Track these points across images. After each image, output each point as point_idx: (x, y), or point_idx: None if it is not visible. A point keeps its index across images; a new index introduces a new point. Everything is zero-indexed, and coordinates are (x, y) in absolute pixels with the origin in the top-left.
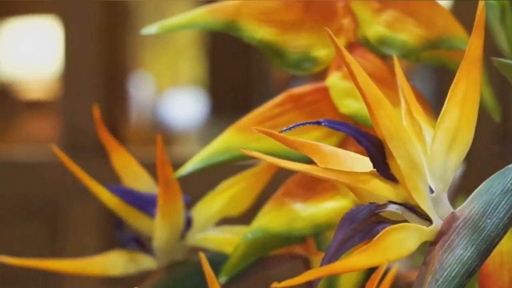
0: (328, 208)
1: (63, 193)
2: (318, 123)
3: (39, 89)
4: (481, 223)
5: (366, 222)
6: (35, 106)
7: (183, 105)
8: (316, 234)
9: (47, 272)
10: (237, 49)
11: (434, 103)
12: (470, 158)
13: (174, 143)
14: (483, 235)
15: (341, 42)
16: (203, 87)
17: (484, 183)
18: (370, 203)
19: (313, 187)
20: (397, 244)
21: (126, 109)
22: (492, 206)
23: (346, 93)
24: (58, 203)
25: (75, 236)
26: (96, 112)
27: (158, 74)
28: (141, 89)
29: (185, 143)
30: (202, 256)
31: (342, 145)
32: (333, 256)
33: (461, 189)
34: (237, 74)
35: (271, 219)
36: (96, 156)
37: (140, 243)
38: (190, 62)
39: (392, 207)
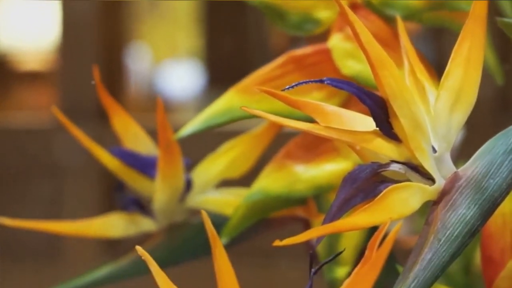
0: (329, 170)
1: (63, 159)
2: (321, 81)
3: (36, 60)
4: (484, 183)
5: (368, 182)
6: (33, 77)
7: (181, 76)
8: (317, 196)
9: (49, 239)
10: (234, 19)
11: (436, 66)
12: (471, 125)
13: (171, 114)
14: (486, 194)
15: (344, 2)
16: (200, 58)
17: (487, 143)
18: (372, 162)
19: (314, 149)
20: (399, 203)
21: (123, 80)
22: (495, 166)
23: (348, 54)
24: (57, 168)
25: (74, 200)
26: (96, 73)
27: (155, 45)
28: (138, 60)
29: (183, 115)
30: (204, 214)
31: (344, 107)
32: (335, 215)
33: (461, 156)
34: (234, 44)
35: (271, 181)
36: (93, 125)
37: (140, 205)
38: (187, 33)
39: (395, 167)
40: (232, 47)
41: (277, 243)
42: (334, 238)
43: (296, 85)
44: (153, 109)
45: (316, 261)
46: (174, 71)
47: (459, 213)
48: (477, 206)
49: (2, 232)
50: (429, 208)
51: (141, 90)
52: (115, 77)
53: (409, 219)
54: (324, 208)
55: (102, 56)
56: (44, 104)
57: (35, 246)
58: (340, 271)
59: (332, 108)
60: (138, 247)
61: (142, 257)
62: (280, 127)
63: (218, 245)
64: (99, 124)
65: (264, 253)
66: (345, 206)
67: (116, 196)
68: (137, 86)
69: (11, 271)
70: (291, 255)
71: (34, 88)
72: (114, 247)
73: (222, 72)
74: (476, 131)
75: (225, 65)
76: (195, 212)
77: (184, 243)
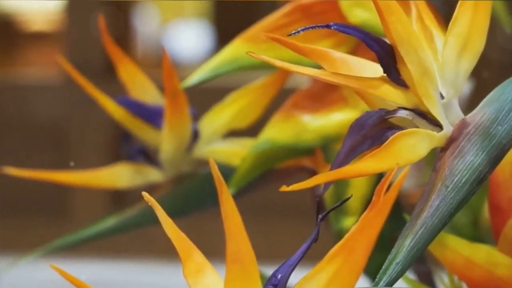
0: (336, 120)
1: (69, 113)
2: (328, 26)
3: (43, 20)
4: (492, 129)
5: (375, 128)
6: (39, 37)
7: (189, 37)
8: (324, 146)
9: (56, 195)
10: None
11: (444, 14)
12: (480, 78)
13: (179, 75)
14: (494, 141)
15: None
16: (208, 18)
17: (495, 89)
18: (380, 109)
19: (322, 98)
20: (407, 149)
21: (131, 41)
22: (503, 112)
23: (355, 3)
24: (64, 122)
25: (81, 151)
26: (102, 23)
27: (163, 5)
28: (146, 21)
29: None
30: (211, 160)
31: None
32: (342, 162)
33: (470, 110)
34: (243, 4)
35: (278, 131)
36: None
37: (146, 155)
38: None
39: (402, 113)
40: (240, 6)
41: (284, 188)
42: (341, 188)
43: (302, 30)
44: (160, 68)
45: (323, 210)
46: (182, 32)
47: (467, 160)
48: (485, 153)
49: (10, 188)
50: (435, 158)
51: (149, 51)
52: (122, 38)
53: (417, 173)
54: (331, 158)
55: (109, 17)
56: (50, 63)
57: (42, 202)
58: (347, 221)
59: (339, 55)
60: (144, 193)
61: (149, 204)
62: (287, 77)
63: (224, 191)
64: (105, 83)
65: (269, 209)
66: (352, 153)
67: (122, 146)
68: (145, 47)
69: (19, 227)
70: (298, 213)
71: (41, 48)
72: (121, 204)
73: (230, 32)
74: (484, 85)
75: (233, 25)
76: (202, 162)
77: (191, 194)
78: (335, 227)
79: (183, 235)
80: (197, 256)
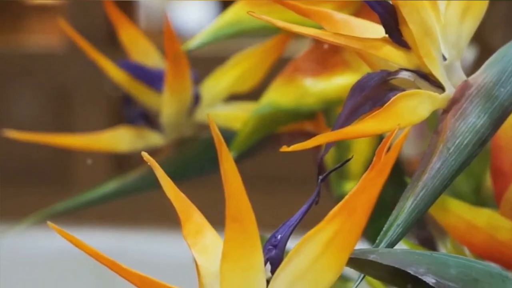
0: (339, 83)
1: (72, 79)
2: None
3: None
4: (494, 91)
5: (377, 90)
6: (42, 7)
7: (194, 10)
8: (326, 110)
9: (57, 162)
10: None
11: None
12: (482, 42)
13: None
14: (496, 103)
15: None
16: None
17: (498, 51)
18: (381, 70)
19: (324, 62)
20: (408, 110)
21: (134, 14)
22: (506, 74)
23: None
24: (67, 88)
25: (84, 117)
26: None
27: None
28: None
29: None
30: (210, 118)
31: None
32: (343, 124)
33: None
34: None
35: (280, 95)
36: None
37: (148, 118)
38: None
39: (404, 74)
40: None
41: (284, 148)
42: (342, 152)
43: None
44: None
45: (324, 172)
46: (186, 5)
47: (469, 122)
48: (487, 115)
49: (11, 155)
50: (438, 118)
51: (153, 22)
52: (125, 11)
53: (419, 141)
54: (333, 122)
55: None
56: (54, 32)
57: (43, 170)
58: (349, 186)
59: (341, 16)
60: (143, 153)
61: (149, 165)
62: (288, 41)
63: (224, 150)
64: (107, 51)
65: (271, 179)
66: (354, 115)
67: (123, 110)
68: (149, 18)
69: (20, 195)
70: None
71: (45, 18)
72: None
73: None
74: (488, 50)
75: None
76: (204, 127)
77: (192, 158)
78: (336, 191)
79: (182, 195)
80: (197, 217)
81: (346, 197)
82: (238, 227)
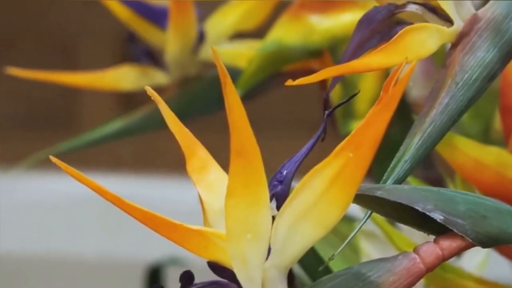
0: (346, 20)
1: (76, 18)
2: None
3: None
4: (504, 25)
5: (384, 23)
6: None
7: None
8: (332, 47)
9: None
10: None
11: None
12: None
13: None
14: (506, 37)
15: None
16: None
17: None
18: (388, 3)
19: None
20: (416, 44)
21: None
22: None
23: None
24: (71, 26)
25: (89, 55)
26: None
27: None
28: None
29: None
30: (214, 50)
31: None
32: (350, 58)
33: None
34: None
35: (286, 32)
36: None
37: (152, 56)
38: None
39: (412, 8)
40: None
41: (290, 82)
42: (348, 91)
43: None
44: None
45: (330, 108)
46: None
47: (478, 56)
48: (496, 49)
49: (16, 100)
50: (447, 53)
51: None
52: None
53: (426, 82)
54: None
55: None
56: None
57: (49, 115)
58: (355, 124)
59: None
60: (147, 87)
61: (152, 98)
62: None
63: (228, 82)
64: None
65: (277, 124)
66: (361, 49)
67: (128, 48)
68: None
69: (25, 140)
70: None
71: None
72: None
73: None
74: None
75: None
76: (208, 65)
77: (197, 97)
78: (342, 130)
79: (187, 131)
80: (202, 153)
81: (353, 131)
82: (243, 162)
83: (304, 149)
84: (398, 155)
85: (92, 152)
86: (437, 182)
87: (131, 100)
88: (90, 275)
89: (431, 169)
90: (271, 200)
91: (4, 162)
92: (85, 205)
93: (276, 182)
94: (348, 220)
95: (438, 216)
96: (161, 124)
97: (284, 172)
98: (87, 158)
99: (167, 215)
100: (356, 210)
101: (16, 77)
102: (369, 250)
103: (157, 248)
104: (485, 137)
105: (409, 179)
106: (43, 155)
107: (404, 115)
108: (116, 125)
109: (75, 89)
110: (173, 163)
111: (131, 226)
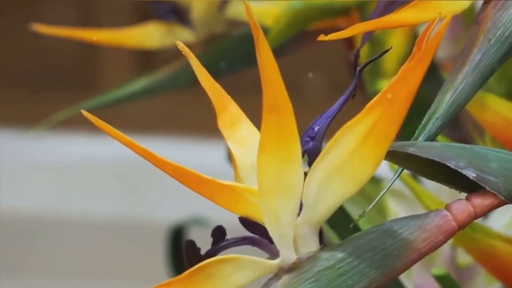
0: None
1: None
2: None
3: None
4: None
5: None
6: None
7: None
8: (360, 5)
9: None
10: None
11: None
12: None
13: None
14: None
15: None
16: None
17: None
18: None
19: None
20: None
21: None
22: None
23: None
24: None
25: (111, 12)
26: None
27: None
28: None
29: None
30: (247, 4)
31: None
32: (382, 13)
33: None
34: None
35: None
36: None
37: (178, 14)
38: None
39: None
40: None
41: (322, 37)
42: (376, 50)
43: None
44: None
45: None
46: None
47: (511, 13)
48: None
49: (35, 61)
50: (479, 9)
51: None
52: None
53: (452, 43)
54: (367, 18)
55: None
56: None
57: (68, 76)
58: (382, 84)
59: None
60: (178, 42)
61: (182, 52)
62: None
63: (260, 37)
64: None
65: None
66: (392, 4)
67: (153, 5)
68: None
69: (44, 101)
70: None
71: None
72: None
73: None
74: None
75: None
76: (235, 23)
77: (223, 55)
78: (370, 89)
79: (218, 86)
80: (232, 108)
81: (386, 87)
82: (275, 118)
83: (336, 105)
84: (429, 112)
85: (114, 114)
86: (466, 142)
87: (149, 62)
88: (112, 236)
89: (459, 129)
90: (302, 156)
91: (24, 123)
92: (106, 167)
93: (307, 138)
94: (374, 181)
95: (470, 174)
96: (187, 82)
97: (316, 128)
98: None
99: None
100: (382, 171)
101: (34, 39)
102: (397, 210)
103: (177, 210)
104: (511, 98)
105: (438, 138)
106: (64, 115)
107: (431, 74)
108: (140, 83)
109: (93, 51)
110: (196, 126)
111: (152, 188)
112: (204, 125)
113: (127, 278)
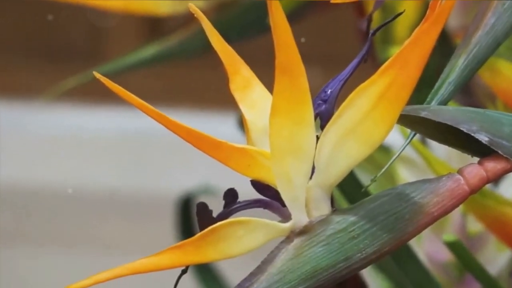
0: None
1: None
2: None
3: None
4: None
5: None
6: None
7: None
8: None
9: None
10: None
11: None
12: None
13: None
14: None
15: None
16: None
17: None
18: None
19: None
20: None
21: None
22: None
23: None
24: None
25: None
26: None
27: None
28: None
29: None
30: None
31: None
32: None
33: None
34: None
35: None
36: None
37: None
38: None
39: None
40: None
41: (335, 0)
42: (387, 16)
43: None
44: None
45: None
46: None
47: None
48: None
49: (41, 31)
50: None
51: None
52: None
53: (463, 11)
54: None
55: None
56: None
57: (74, 47)
58: (393, 50)
59: None
60: (190, 5)
61: (194, 15)
62: None
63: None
64: None
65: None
66: None
67: None
68: None
69: (51, 72)
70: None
71: None
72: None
73: None
74: None
75: None
76: None
77: (233, 22)
78: (381, 56)
79: (230, 49)
80: (245, 71)
81: (400, 49)
82: (288, 80)
83: (348, 68)
84: (442, 76)
85: (122, 86)
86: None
87: (155, 34)
88: (117, 209)
89: (471, 96)
90: (315, 119)
91: (29, 93)
92: (110, 139)
93: (320, 101)
94: (384, 150)
95: (483, 138)
96: (197, 50)
97: (329, 91)
98: (110, 95)
99: None
100: (391, 140)
101: (38, 7)
102: (407, 178)
103: (183, 182)
104: None
105: (450, 104)
106: (72, 83)
107: (442, 42)
108: (150, 50)
109: (100, 21)
110: (204, 98)
111: (156, 161)
112: (212, 97)
113: (133, 252)
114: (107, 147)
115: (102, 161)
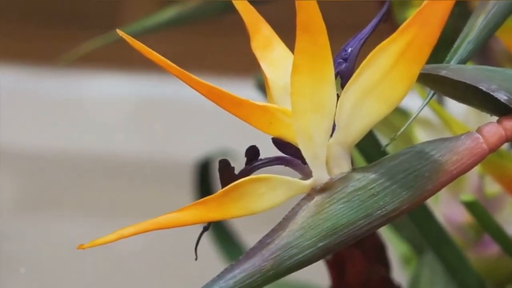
0: None
1: None
2: None
3: None
4: None
5: None
6: None
7: None
8: None
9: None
10: None
11: None
12: None
13: None
14: None
15: None
16: None
17: None
18: None
19: None
20: None
21: None
22: None
23: None
24: None
25: None
26: None
27: None
28: None
29: None
30: None
31: None
32: None
33: None
34: None
35: None
36: None
37: None
38: None
39: None
40: None
41: None
42: None
43: None
44: None
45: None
46: None
47: None
48: None
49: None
50: None
51: None
52: None
53: None
54: None
55: None
56: None
57: (89, 14)
58: (412, 12)
59: None
60: None
61: None
62: None
63: None
64: None
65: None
66: None
67: None
68: None
69: (64, 38)
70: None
71: None
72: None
73: None
74: None
75: None
76: None
77: None
78: (399, 18)
79: (251, 7)
80: (266, 30)
81: (420, 8)
82: (309, 38)
83: (368, 28)
84: (461, 36)
85: (130, 53)
86: None
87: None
88: (133, 175)
89: (488, 58)
90: (335, 78)
91: (41, 60)
92: (124, 105)
93: (340, 60)
94: (401, 112)
95: (502, 96)
96: (216, 12)
97: (349, 50)
98: (126, 61)
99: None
100: (408, 102)
101: None
102: (424, 139)
103: (199, 148)
104: None
105: (468, 64)
106: (90, 46)
107: (460, 2)
108: (167, 13)
109: None
110: (219, 64)
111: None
112: (228, 63)
113: (149, 217)
114: (122, 112)
115: (119, 127)
